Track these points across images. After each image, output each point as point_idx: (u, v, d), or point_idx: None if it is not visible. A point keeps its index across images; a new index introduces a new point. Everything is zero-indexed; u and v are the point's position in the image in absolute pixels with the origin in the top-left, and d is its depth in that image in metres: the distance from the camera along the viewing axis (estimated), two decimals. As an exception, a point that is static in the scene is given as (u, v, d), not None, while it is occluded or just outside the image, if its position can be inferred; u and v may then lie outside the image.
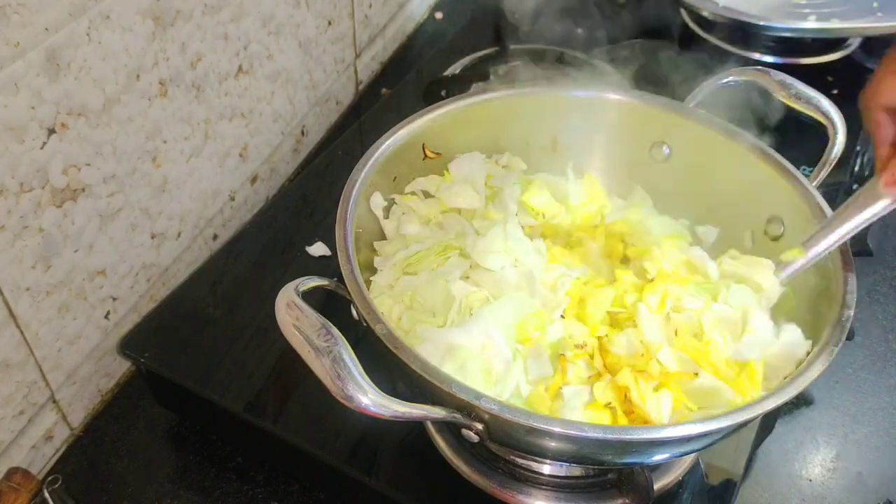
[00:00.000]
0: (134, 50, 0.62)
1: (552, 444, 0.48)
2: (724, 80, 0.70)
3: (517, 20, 1.06)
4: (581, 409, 0.53)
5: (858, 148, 0.91)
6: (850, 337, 0.69)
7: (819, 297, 0.57)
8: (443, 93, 0.96)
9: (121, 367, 0.72)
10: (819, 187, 0.62)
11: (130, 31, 0.61)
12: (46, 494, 0.59)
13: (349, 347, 0.46)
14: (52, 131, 0.56)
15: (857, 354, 0.75)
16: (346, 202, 0.58)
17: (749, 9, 0.99)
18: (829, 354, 0.50)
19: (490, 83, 1.00)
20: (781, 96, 0.67)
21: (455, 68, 1.02)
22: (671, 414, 0.52)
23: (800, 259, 0.58)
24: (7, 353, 0.59)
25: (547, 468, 0.58)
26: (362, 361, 0.46)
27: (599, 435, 0.46)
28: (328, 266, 0.74)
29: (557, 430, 0.45)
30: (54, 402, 0.65)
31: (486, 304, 0.58)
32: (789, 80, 0.67)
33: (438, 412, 0.48)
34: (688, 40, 1.09)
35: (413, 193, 0.68)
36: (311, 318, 0.47)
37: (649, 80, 0.98)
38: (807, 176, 0.63)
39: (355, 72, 1.03)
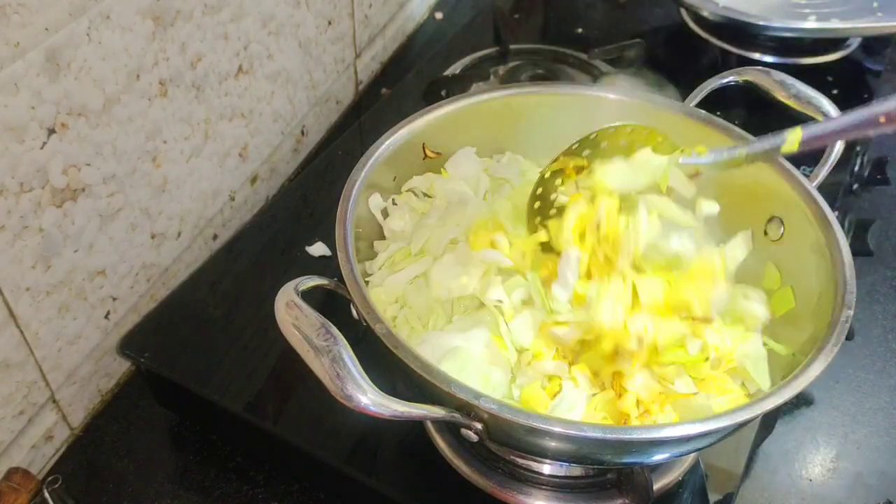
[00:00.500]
0: (134, 50, 0.62)
1: (552, 444, 0.48)
2: (724, 80, 0.70)
3: (517, 20, 1.06)
4: (579, 409, 0.53)
5: (858, 148, 0.91)
6: (850, 337, 0.69)
7: (819, 297, 0.57)
8: (443, 93, 0.96)
9: (121, 367, 0.72)
10: (819, 187, 0.62)
11: (130, 31, 0.61)
12: (46, 494, 0.59)
13: (349, 347, 0.46)
14: (52, 131, 0.56)
15: (857, 354, 0.75)
16: (346, 202, 0.58)
17: (749, 9, 0.99)
18: (829, 354, 0.50)
19: (490, 83, 1.00)
20: (781, 96, 0.67)
21: (455, 68, 1.02)
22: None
23: (704, 156, 0.59)
24: (7, 353, 0.59)
25: (547, 468, 0.58)
26: (362, 361, 0.46)
27: (599, 435, 0.46)
28: (328, 266, 0.74)
29: (557, 429, 0.45)
30: (54, 402, 0.65)
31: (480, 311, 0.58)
32: (789, 80, 0.67)
33: (438, 412, 0.48)
34: (688, 40, 1.09)
35: (410, 191, 0.68)
36: (311, 318, 0.47)
37: (649, 80, 0.98)
38: (807, 176, 0.63)
39: (355, 72, 1.03)
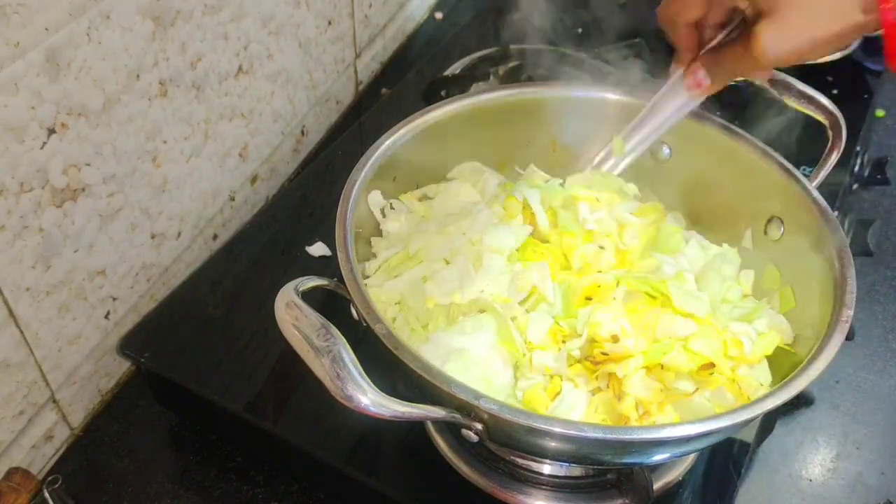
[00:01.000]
0: (134, 50, 0.62)
1: (552, 445, 0.48)
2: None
3: (517, 20, 1.06)
4: (579, 409, 0.53)
5: (858, 148, 0.91)
6: (850, 337, 0.69)
7: (819, 298, 0.57)
8: (443, 93, 0.96)
9: (121, 367, 0.72)
10: (819, 187, 0.62)
11: (130, 31, 0.61)
12: (46, 494, 0.59)
13: (349, 347, 0.46)
14: (52, 131, 0.56)
15: (857, 354, 0.75)
16: (346, 202, 0.58)
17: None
18: (829, 354, 0.50)
19: (490, 83, 1.00)
20: (780, 95, 0.67)
21: (455, 68, 1.02)
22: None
23: (620, 153, 0.69)
24: (7, 353, 0.59)
25: (547, 468, 0.58)
26: (362, 362, 0.46)
27: (599, 435, 0.46)
28: (328, 266, 0.74)
29: (557, 430, 0.45)
30: (54, 402, 0.65)
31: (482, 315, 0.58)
32: (789, 79, 0.67)
33: (438, 412, 0.48)
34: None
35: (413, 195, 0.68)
36: (311, 318, 0.47)
37: (649, 81, 0.98)
38: (807, 176, 0.63)
39: (355, 72, 1.03)
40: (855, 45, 1.05)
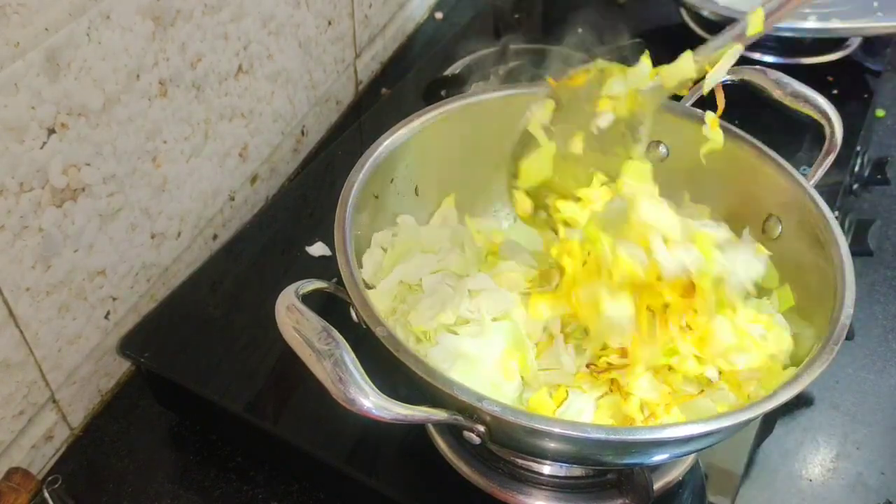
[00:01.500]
0: (134, 50, 0.62)
1: (554, 446, 0.48)
2: (720, 80, 0.70)
3: (517, 20, 1.06)
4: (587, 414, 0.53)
5: (858, 148, 0.91)
6: (850, 337, 0.69)
7: (819, 297, 0.57)
8: (443, 93, 0.96)
9: (121, 367, 0.72)
10: (817, 186, 0.62)
11: (130, 31, 0.61)
12: (46, 494, 0.59)
13: (350, 350, 0.45)
14: (52, 131, 0.56)
15: (857, 354, 0.75)
16: (345, 204, 0.58)
17: (749, 9, 0.98)
18: (829, 354, 0.50)
19: (490, 83, 1.00)
20: (777, 95, 0.67)
21: (455, 68, 1.02)
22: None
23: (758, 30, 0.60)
24: (7, 353, 0.59)
25: (547, 468, 0.58)
26: (362, 363, 0.46)
27: (601, 436, 0.46)
28: (328, 266, 0.74)
29: (559, 431, 0.45)
30: (54, 402, 0.65)
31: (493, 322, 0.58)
32: (785, 78, 0.67)
33: (440, 414, 0.47)
34: (688, 40, 1.09)
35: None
36: (312, 321, 0.47)
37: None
38: (804, 175, 0.63)
39: (355, 72, 1.03)
40: (855, 44, 1.05)
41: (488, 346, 0.55)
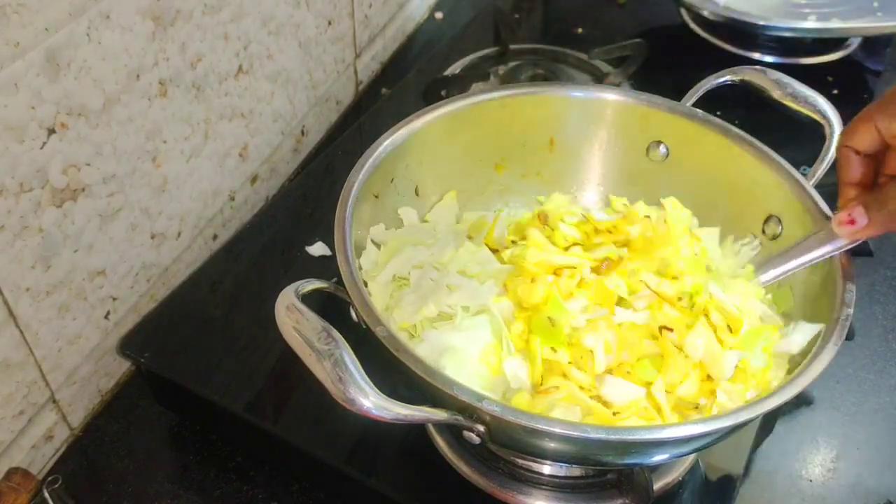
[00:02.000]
0: (134, 50, 0.62)
1: (554, 446, 0.48)
2: (720, 80, 0.70)
3: (517, 20, 1.06)
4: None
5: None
6: (850, 337, 0.69)
7: (819, 297, 0.57)
8: (443, 93, 0.96)
9: (121, 367, 0.72)
10: (818, 186, 0.62)
11: (130, 31, 0.61)
12: (46, 494, 0.59)
13: (350, 350, 0.46)
14: (52, 131, 0.56)
15: (857, 354, 0.75)
16: (345, 204, 0.58)
17: (749, 9, 0.99)
18: (829, 354, 0.50)
19: (490, 83, 1.00)
20: (777, 95, 0.67)
21: (455, 68, 1.02)
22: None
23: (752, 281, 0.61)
24: (7, 353, 0.59)
25: (547, 468, 0.58)
26: (361, 363, 0.46)
27: (602, 436, 0.46)
28: (328, 266, 0.74)
29: (559, 431, 0.45)
30: (54, 402, 0.65)
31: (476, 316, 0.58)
32: (785, 79, 0.67)
33: (440, 414, 0.48)
34: (688, 40, 1.09)
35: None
36: (312, 321, 0.47)
37: (649, 80, 0.98)
38: (804, 175, 0.63)
39: (355, 72, 1.03)
40: (855, 44, 1.05)
41: (472, 341, 0.55)
